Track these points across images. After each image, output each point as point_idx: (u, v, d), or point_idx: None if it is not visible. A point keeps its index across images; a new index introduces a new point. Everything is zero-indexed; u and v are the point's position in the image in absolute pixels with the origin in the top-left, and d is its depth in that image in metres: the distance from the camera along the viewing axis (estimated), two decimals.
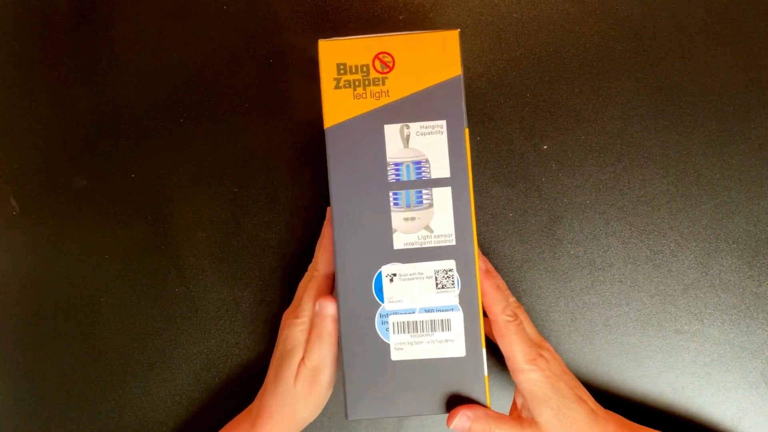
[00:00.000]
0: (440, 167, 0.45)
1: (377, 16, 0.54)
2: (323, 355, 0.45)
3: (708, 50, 0.53)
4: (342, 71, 0.46)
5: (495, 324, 0.45)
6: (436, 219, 0.45)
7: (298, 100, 0.53)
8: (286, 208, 0.54)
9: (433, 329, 0.45)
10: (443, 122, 0.45)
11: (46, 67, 0.55)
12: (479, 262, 0.45)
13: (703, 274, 0.53)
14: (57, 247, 0.54)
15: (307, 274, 0.48)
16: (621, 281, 0.53)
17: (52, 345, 0.54)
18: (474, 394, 0.45)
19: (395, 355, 0.45)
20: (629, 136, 0.53)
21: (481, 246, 0.53)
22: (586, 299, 0.53)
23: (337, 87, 0.46)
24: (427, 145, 0.45)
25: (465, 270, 0.45)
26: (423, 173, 0.45)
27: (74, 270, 0.54)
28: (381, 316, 0.45)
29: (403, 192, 0.45)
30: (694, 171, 0.53)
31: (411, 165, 0.45)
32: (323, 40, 0.46)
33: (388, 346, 0.45)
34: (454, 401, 0.45)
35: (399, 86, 0.45)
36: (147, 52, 0.54)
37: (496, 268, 0.53)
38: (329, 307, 0.45)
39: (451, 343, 0.45)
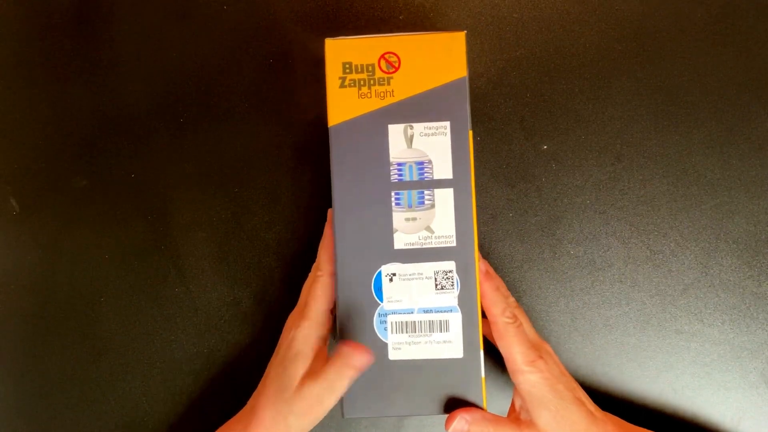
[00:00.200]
0: (443, 168, 0.45)
1: (377, 16, 0.54)
2: (341, 384, 0.44)
3: (708, 50, 0.53)
4: (348, 70, 0.46)
5: (494, 325, 0.45)
6: (437, 220, 0.45)
7: (298, 100, 0.54)
8: (286, 208, 0.54)
9: (431, 330, 0.45)
10: (447, 123, 0.45)
11: (46, 67, 0.55)
12: (479, 263, 0.45)
13: (703, 274, 0.53)
14: (57, 247, 0.54)
15: (310, 275, 0.48)
16: (621, 281, 0.53)
17: (52, 345, 0.54)
18: (470, 396, 0.45)
19: (393, 355, 0.45)
20: (629, 136, 0.53)
21: (481, 246, 0.53)
22: (586, 299, 0.53)
23: (342, 86, 0.46)
24: (430, 145, 0.45)
25: (465, 271, 0.45)
26: (425, 174, 0.45)
27: (74, 270, 0.54)
28: (380, 315, 0.45)
29: (405, 192, 0.45)
30: (694, 171, 0.53)
31: (414, 165, 0.45)
32: (330, 38, 0.46)
33: (386, 345, 0.45)
34: (451, 402, 0.45)
35: (404, 86, 0.45)
36: (147, 52, 0.54)
37: (496, 268, 0.53)
38: (359, 359, 0.44)
39: (449, 344, 0.45)
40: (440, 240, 0.45)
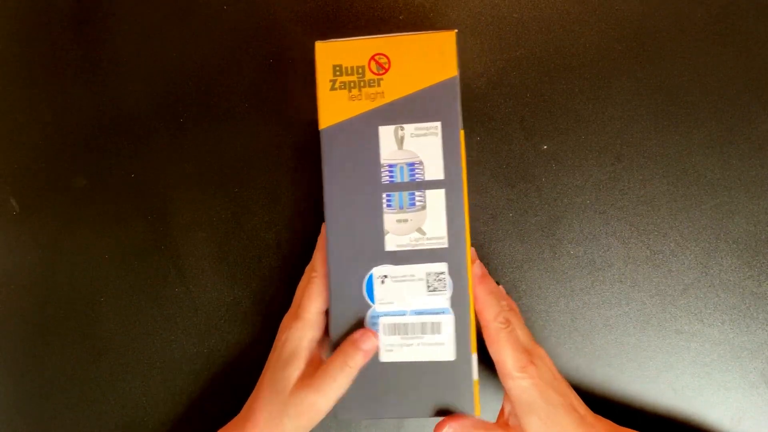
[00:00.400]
0: (434, 169, 0.45)
1: (377, 16, 0.54)
2: (336, 388, 0.44)
3: (708, 50, 0.53)
4: (338, 72, 0.46)
5: (486, 330, 0.44)
6: (428, 221, 0.45)
7: (298, 100, 0.53)
8: (286, 208, 0.54)
9: (423, 332, 0.45)
10: (438, 124, 0.45)
11: (46, 67, 0.55)
12: (474, 267, 0.45)
13: (703, 274, 0.53)
14: (57, 247, 0.54)
15: (305, 276, 0.48)
16: (621, 281, 0.53)
17: (52, 345, 0.54)
18: (461, 399, 0.44)
19: (385, 357, 0.45)
20: (629, 136, 0.53)
21: (481, 246, 0.53)
22: (586, 299, 0.53)
23: (332, 88, 0.46)
24: (421, 146, 0.45)
25: (457, 273, 0.44)
26: (416, 175, 0.45)
27: (74, 270, 0.54)
28: (371, 317, 0.45)
29: (396, 194, 0.45)
30: (694, 171, 0.53)
31: (405, 166, 0.45)
32: (320, 41, 0.46)
33: (378, 347, 0.45)
34: (444, 405, 0.44)
35: (394, 87, 0.45)
36: (147, 52, 0.54)
37: (496, 268, 0.53)
38: (369, 343, 0.44)
39: (440, 346, 0.44)
40: (432, 241, 0.45)
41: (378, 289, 0.45)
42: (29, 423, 0.54)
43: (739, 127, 0.53)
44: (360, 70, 0.45)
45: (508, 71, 0.53)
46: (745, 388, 0.52)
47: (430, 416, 0.44)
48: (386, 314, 0.45)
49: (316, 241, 0.49)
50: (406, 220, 0.45)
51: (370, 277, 0.45)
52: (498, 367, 0.44)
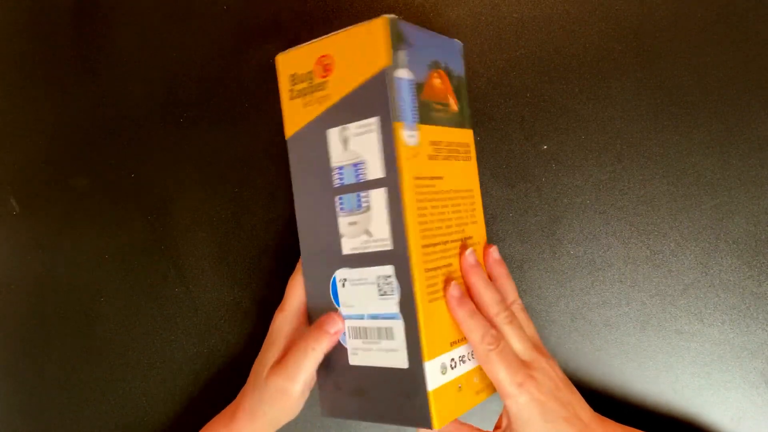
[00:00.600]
0: (375, 167, 0.42)
1: (377, 16, 0.54)
2: (300, 370, 0.44)
3: (708, 50, 0.53)
4: (294, 81, 0.45)
5: (476, 353, 0.43)
6: (373, 222, 0.43)
7: None
8: (286, 208, 0.54)
9: (379, 337, 0.43)
10: (376, 119, 0.42)
11: (46, 67, 0.55)
12: (450, 288, 0.43)
13: (703, 274, 0.53)
14: (57, 247, 0.54)
15: (295, 270, 0.49)
16: (621, 281, 0.53)
17: (52, 345, 0.54)
18: (417, 411, 0.41)
19: (352, 360, 0.44)
20: (629, 136, 0.53)
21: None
22: (586, 299, 0.53)
23: (291, 98, 0.46)
24: (363, 145, 0.43)
25: (404, 276, 0.41)
26: (360, 175, 0.43)
27: (74, 270, 0.54)
28: None
29: (347, 196, 0.44)
30: (694, 171, 0.53)
31: (351, 168, 0.43)
32: (281, 53, 0.46)
33: (346, 350, 0.44)
34: (402, 415, 0.42)
35: (338, 88, 0.44)
36: (147, 52, 0.54)
37: None
38: (333, 326, 0.44)
39: (394, 352, 0.42)
40: (378, 243, 0.42)
41: (341, 292, 0.44)
42: (29, 423, 0.54)
43: (739, 127, 0.53)
44: (309, 76, 0.45)
45: (508, 71, 0.53)
46: (745, 388, 0.52)
47: (394, 424, 0.43)
48: (349, 317, 0.44)
49: None
50: (355, 223, 0.43)
51: (334, 280, 0.45)
52: (495, 386, 0.43)
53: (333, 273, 0.45)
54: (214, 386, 0.54)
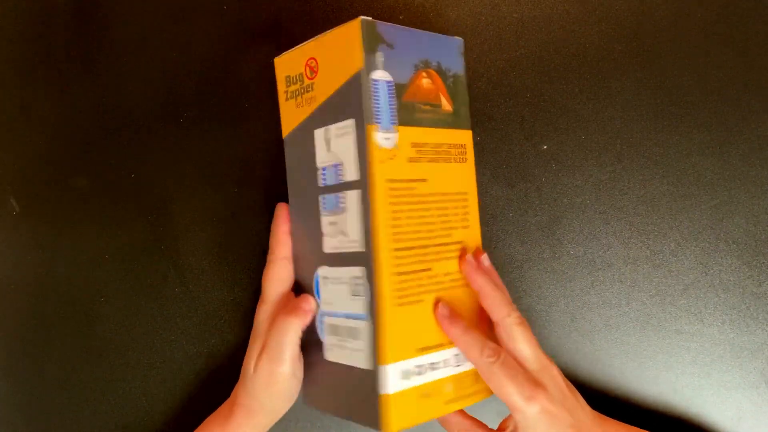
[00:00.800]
0: (351, 169, 0.42)
1: (377, 16, 0.54)
2: (281, 349, 0.45)
3: (708, 50, 0.53)
4: (288, 83, 0.47)
5: (478, 369, 0.42)
6: (348, 223, 0.43)
7: None
8: None
9: (350, 336, 0.43)
10: (352, 122, 0.42)
11: (46, 67, 0.55)
12: (440, 307, 0.42)
13: (703, 274, 0.53)
14: (57, 247, 0.54)
15: (267, 262, 0.49)
16: (621, 281, 0.53)
17: (52, 345, 0.54)
18: (369, 413, 0.41)
19: (327, 355, 0.45)
20: (629, 136, 0.53)
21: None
22: (586, 299, 0.53)
23: (287, 99, 0.47)
24: (341, 147, 0.43)
25: (371, 279, 0.41)
26: (340, 176, 0.43)
27: (74, 270, 0.54)
28: (320, 315, 0.46)
29: (329, 196, 0.44)
30: (694, 171, 0.53)
31: (332, 169, 0.44)
32: (278, 56, 0.47)
33: (323, 345, 0.45)
34: (360, 415, 0.42)
35: (322, 90, 0.44)
36: (147, 52, 0.54)
37: (497, 268, 0.53)
38: (307, 304, 0.46)
39: (360, 352, 0.42)
40: (352, 245, 0.43)
41: (322, 289, 0.46)
42: (29, 423, 0.54)
43: (739, 127, 0.53)
44: (300, 78, 0.45)
45: (508, 71, 0.53)
46: (745, 388, 0.52)
47: (358, 424, 0.43)
48: (327, 314, 0.45)
49: None
50: (335, 223, 0.44)
51: (317, 277, 0.46)
52: (502, 400, 0.42)
53: (316, 270, 0.46)
54: (214, 386, 0.54)
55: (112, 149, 0.54)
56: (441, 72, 0.45)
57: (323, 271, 0.45)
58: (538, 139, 0.53)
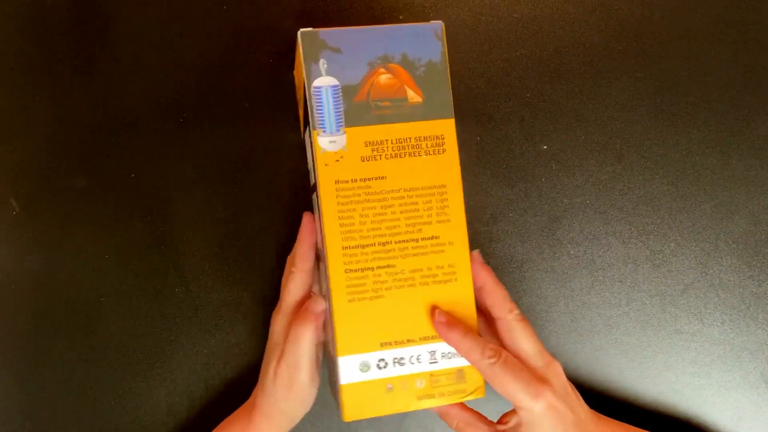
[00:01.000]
0: (312, 173, 0.45)
1: (377, 16, 0.54)
2: (299, 356, 0.45)
3: (708, 50, 0.53)
4: (297, 88, 0.50)
5: (480, 370, 0.42)
6: (318, 223, 0.46)
7: (298, 100, 0.53)
8: (286, 208, 0.53)
9: (329, 327, 0.45)
10: (308, 128, 0.45)
11: (46, 67, 0.55)
12: (436, 314, 0.42)
13: (703, 274, 0.53)
14: (57, 247, 0.54)
15: (286, 270, 0.49)
16: (621, 281, 0.53)
17: (52, 345, 0.54)
18: (338, 399, 0.44)
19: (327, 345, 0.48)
20: (629, 136, 0.53)
21: (481, 246, 0.53)
22: (586, 299, 0.53)
23: (298, 99, 0.50)
24: (308, 152, 0.46)
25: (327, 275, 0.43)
26: (312, 179, 0.47)
27: (74, 270, 0.54)
28: None
29: (314, 196, 0.47)
30: (694, 171, 0.53)
31: (311, 171, 0.47)
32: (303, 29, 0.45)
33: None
34: (338, 400, 0.44)
35: (300, 98, 0.47)
36: (147, 52, 0.54)
37: (497, 268, 0.53)
38: (317, 305, 0.45)
39: (330, 343, 0.45)
40: (321, 243, 0.45)
41: (322, 284, 0.47)
42: (29, 423, 0.54)
43: (739, 127, 0.53)
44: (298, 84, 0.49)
45: (508, 71, 0.53)
46: (745, 388, 0.52)
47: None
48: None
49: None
50: (319, 222, 0.46)
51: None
52: (507, 399, 0.42)
53: (319, 266, 0.48)
54: (214, 386, 0.54)
55: (112, 149, 0.54)
56: (407, 63, 0.43)
57: (321, 266, 0.47)
58: (538, 139, 0.53)
